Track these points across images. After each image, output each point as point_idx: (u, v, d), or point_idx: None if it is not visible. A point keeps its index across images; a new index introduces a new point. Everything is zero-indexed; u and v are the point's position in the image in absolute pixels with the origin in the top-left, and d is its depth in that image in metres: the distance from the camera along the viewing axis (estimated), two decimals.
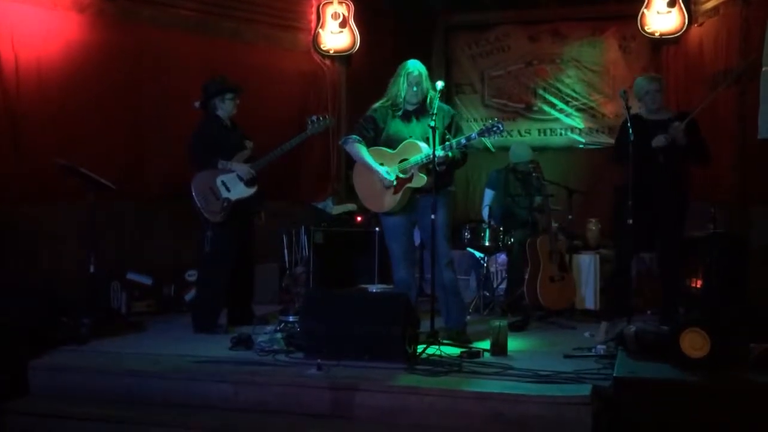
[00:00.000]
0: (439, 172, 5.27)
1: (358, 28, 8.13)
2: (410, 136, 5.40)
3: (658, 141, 5.34)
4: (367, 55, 8.29)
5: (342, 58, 8.26)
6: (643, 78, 5.76)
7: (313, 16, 8.17)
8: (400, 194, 5.40)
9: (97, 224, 5.84)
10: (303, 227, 7.57)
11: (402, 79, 5.43)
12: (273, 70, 7.84)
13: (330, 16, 8.09)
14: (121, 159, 6.88)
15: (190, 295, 6.90)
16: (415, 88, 5.39)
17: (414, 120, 5.44)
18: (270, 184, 6.39)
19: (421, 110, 5.43)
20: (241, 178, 5.91)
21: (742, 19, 6.40)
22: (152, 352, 5.16)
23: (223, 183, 5.89)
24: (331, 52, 8.16)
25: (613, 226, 6.27)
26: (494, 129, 5.23)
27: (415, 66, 5.45)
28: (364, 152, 5.47)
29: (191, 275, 6.88)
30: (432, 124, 5.13)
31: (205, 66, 7.08)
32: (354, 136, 5.52)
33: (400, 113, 5.48)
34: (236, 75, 6.31)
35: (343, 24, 8.09)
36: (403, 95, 5.43)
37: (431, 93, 5.44)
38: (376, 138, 5.53)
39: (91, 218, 5.79)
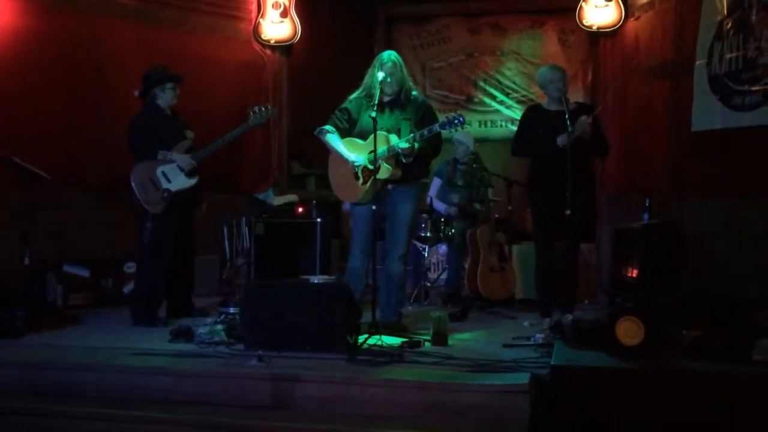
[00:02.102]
0: (407, 164, 5.33)
1: (299, 19, 8.06)
2: (381, 128, 5.32)
3: (562, 140, 5.32)
4: (308, 46, 8.23)
5: (283, 48, 8.18)
6: (548, 67, 5.83)
7: (254, 6, 8.08)
8: (368, 185, 5.40)
9: (32, 215, 5.70)
10: (244, 218, 7.52)
11: (376, 69, 5.40)
12: (213, 59, 7.74)
13: (271, 6, 8.01)
14: (57, 149, 6.72)
15: (128, 288, 6.79)
16: (389, 79, 5.36)
17: (387, 111, 5.40)
18: (210, 175, 6.33)
19: (396, 102, 5.42)
20: (181, 169, 5.84)
21: (676, 13, 6.53)
22: (89, 345, 5.07)
23: (164, 174, 5.81)
24: (272, 41, 8.08)
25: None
26: (456, 122, 5.28)
27: (389, 56, 5.46)
28: (335, 141, 5.47)
29: (130, 267, 6.77)
30: (373, 115, 5.13)
31: (144, 55, 6.98)
32: (327, 126, 5.52)
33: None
34: (176, 64, 6.22)
35: (284, 14, 8.03)
36: (377, 85, 5.39)
37: (408, 84, 5.46)
38: (351, 129, 5.52)
39: (25, 209, 5.65)
